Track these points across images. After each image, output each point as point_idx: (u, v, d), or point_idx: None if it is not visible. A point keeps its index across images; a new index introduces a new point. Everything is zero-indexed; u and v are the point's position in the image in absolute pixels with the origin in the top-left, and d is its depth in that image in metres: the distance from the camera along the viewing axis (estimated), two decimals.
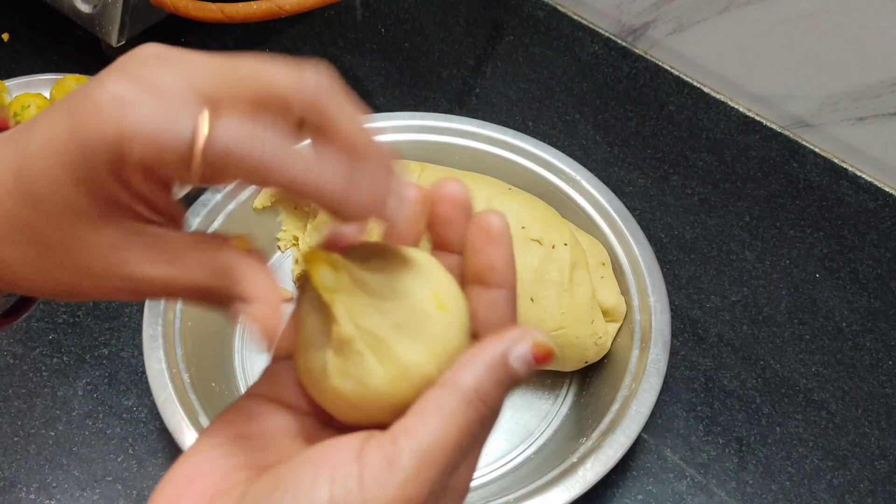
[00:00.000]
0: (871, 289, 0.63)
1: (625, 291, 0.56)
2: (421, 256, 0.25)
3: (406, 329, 0.23)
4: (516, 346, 0.22)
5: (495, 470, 0.53)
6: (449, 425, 0.21)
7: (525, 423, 0.55)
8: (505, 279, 0.24)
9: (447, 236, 0.26)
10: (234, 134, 0.21)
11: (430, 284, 0.24)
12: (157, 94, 0.21)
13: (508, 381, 0.22)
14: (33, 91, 0.68)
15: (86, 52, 0.73)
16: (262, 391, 0.26)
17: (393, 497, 0.20)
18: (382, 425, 0.22)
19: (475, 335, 0.25)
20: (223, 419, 0.25)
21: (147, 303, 0.53)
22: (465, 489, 0.24)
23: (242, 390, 0.56)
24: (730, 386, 0.58)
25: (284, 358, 0.26)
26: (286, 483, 0.21)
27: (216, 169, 0.21)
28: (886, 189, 0.70)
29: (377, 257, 0.25)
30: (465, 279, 0.25)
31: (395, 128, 0.63)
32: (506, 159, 0.62)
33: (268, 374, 0.27)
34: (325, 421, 0.25)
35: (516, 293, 0.25)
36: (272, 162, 0.21)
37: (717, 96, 0.76)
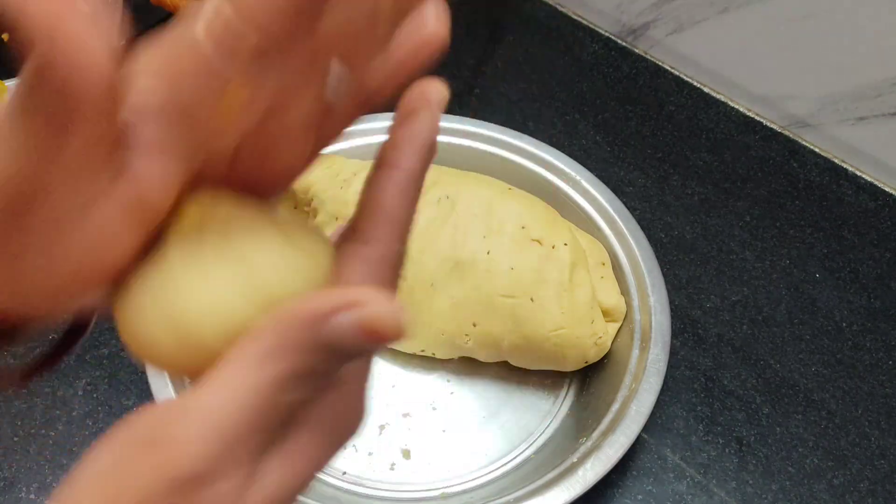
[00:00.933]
0: (871, 289, 0.63)
1: (625, 291, 0.56)
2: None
3: (233, 260, 0.20)
4: (339, 314, 0.18)
5: (495, 470, 0.53)
6: (240, 392, 0.18)
7: (525, 423, 0.55)
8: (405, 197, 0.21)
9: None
10: None
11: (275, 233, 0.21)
12: None
13: (330, 351, 0.19)
14: None
15: None
16: None
17: (168, 483, 0.18)
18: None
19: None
20: None
21: None
22: (313, 464, 0.21)
23: None
24: (730, 386, 0.58)
25: None
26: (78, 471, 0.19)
27: None
28: (886, 189, 0.70)
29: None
30: (346, 238, 0.22)
31: None
32: (506, 159, 0.62)
33: None
34: None
35: (404, 249, 0.21)
36: None
37: (717, 96, 0.76)
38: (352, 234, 0.22)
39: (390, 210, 0.21)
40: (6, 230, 0.18)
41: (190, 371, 0.20)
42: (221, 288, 0.20)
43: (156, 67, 0.18)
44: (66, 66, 0.16)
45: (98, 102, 0.17)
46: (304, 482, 0.20)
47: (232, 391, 0.18)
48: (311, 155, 0.23)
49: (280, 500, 0.20)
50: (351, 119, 0.23)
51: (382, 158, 0.22)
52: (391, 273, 0.22)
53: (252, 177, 0.22)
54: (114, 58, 0.17)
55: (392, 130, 0.22)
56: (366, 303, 0.18)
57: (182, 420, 0.18)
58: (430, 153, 0.22)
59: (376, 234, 0.21)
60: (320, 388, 0.20)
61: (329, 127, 0.22)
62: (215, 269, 0.20)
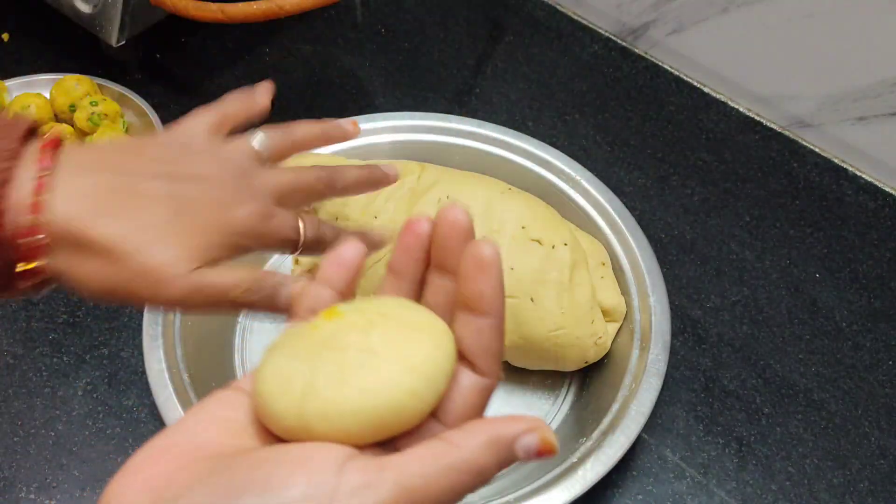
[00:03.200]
0: (871, 289, 0.63)
1: (625, 291, 0.56)
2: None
3: (388, 348, 0.24)
4: (527, 436, 0.23)
5: None
6: (439, 478, 0.22)
7: None
8: (492, 307, 0.25)
9: (444, 259, 0.27)
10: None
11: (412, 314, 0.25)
12: None
13: (507, 462, 0.23)
14: (33, 91, 0.68)
15: (86, 52, 0.73)
16: (246, 386, 0.26)
17: None
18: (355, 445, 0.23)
19: (462, 357, 0.25)
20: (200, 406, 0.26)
21: None
22: None
23: None
24: (730, 386, 0.58)
25: None
26: (257, 476, 0.21)
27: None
28: (886, 189, 0.70)
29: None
30: (456, 305, 0.26)
31: (395, 128, 0.63)
32: (506, 159, 0.62)
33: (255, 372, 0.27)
34: None
35: (504, 320, 0.26)
36: None
37: (717, 96, 0.76)
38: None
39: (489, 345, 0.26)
40: None
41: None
42: (395, 384, 0.23)
43: None
44: None
45: None
46: None
47: (428, 470, 0.22)
48: None
49: None
50: None
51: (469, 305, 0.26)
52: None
53: None
54: None
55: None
56: (537, 426, 0.24)
57: (379, 477, 0.21)
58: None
59: (485, 307, 0.25)
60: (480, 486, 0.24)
61: None
62: (385, 364, 0.23)
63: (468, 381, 0.26)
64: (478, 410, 0.26)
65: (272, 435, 0.24)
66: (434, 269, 0.27)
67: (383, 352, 0.24)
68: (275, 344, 0.26)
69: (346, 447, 0.22)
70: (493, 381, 0.26)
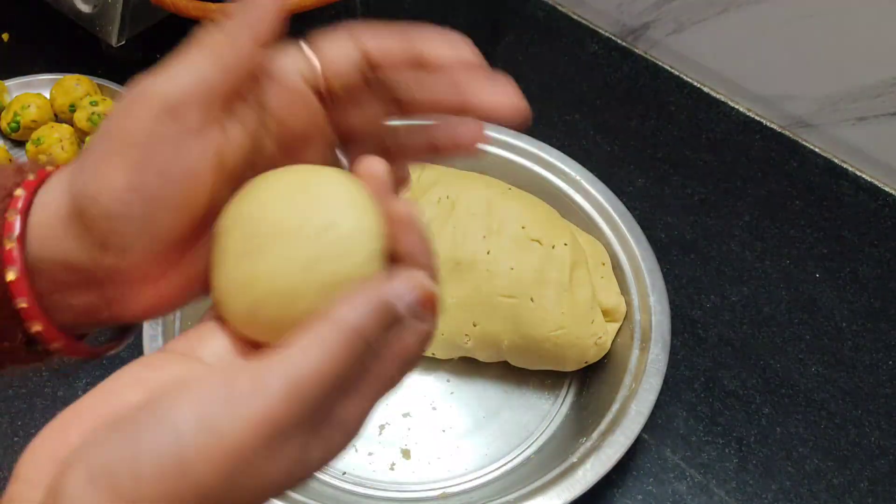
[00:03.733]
0: (871, 289, 0.63)
1: (625, 291, 0.56)
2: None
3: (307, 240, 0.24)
4: (406, 293, 0.23)
5: (495, 470, 0.53)
6: (323, 357, 0.21)
7: (525, 423, 0.55)
8: (424, 263, 0.25)
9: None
10: None
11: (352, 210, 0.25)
12: None
13: (391, 323, 0.23)
14: (33, 91, 0.68)
15: (86, 52, 0.73)
16: (178, 348, 0.26)
17: (256, 420, 0.20)
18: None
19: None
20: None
21: None
22: (355, 426, 0.24)
23: None
24: (730, 386, 0.58)
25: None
26: (154, 404, 0.21)
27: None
28: (886, 189, 0.70)
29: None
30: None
31: None
32: (506, 159, 0.62)
33: (188, 333, 0.26)
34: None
35: (438, 268, 0.26)
36: None
37: (717, 96, 0.76)
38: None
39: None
40: None
41: (262, 337, 0.24)
42: (285, 268, 0.24)
43: None
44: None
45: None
46: (336, 453, 0.23)
47: (314, 357, 0.21)
48: None
49: (333, 455, 0.23)
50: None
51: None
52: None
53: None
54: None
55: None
56: (413, 279, 0.23)
57: (271, 374, 0.21)
58: None
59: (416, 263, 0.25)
60: (370, 363, 0.23)
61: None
62: (279, 252, 0.24)
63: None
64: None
65: None
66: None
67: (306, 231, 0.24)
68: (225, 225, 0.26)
69: (240, 362, 0.23)
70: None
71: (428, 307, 0.23)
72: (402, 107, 0.30)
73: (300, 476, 0.23)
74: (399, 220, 0.25)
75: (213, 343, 0.26)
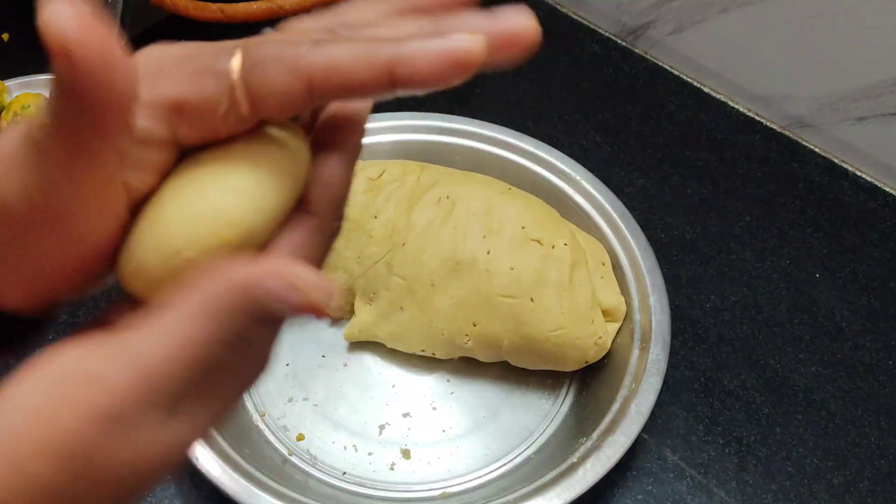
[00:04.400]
0: (871, 289, 0.63)
1: (625, 291, 0.56)
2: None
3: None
4: (267, 280, 0.20)
5: (495, 470, 0.53)
6: (173, 343, 0.20)
7: (525, 423, 0.55)
8: (317, 207, 0.23)
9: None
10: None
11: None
12: None
13: (257, 314, 0.20)
14: (33, 91, 0.68)
15: None
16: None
17: (95, 411, 0.19)
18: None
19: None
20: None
21: None
22: (223, 405, 0.22)
23: None
24: (730, 386, 0.58)
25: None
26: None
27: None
28: (886, 189, 0.70)
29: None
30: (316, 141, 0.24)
31: (395, 128, 0.63)
32: (506, 159, 0.62)
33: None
34: None
35: (329, 230, 0.24)
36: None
37: (717, 96, 0.76)
38: (302, 203, 0.23)
39: (336, 189, 0.23)
40: (11, 240, 0.21)
41: (142, 296, 0.22)
42: (170, 224, 0.21)
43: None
44: (95, 84, 0.18)
45: (124, 116, 0.19)
46: (205, 430, 0.22)
47: (165, 343, 0.20)
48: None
49: (184, 445, 0.21)
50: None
51: (331, 139, 0.24)
52: (325, 242, 0.24)
53: None
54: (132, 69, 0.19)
55: (337, 112, 0.24)
56: (284, 270, 0.20)
57: (116, 361, 0.19)
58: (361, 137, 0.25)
59: (320, 208, 0.23)
60: (240, 348, 0.22)
61: None
62: (170, 205, 0.22)
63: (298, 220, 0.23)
64: (308, 251, 0.23)
65: None
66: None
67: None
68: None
69: (94, 342, 0.20)
70: (327, 223, 0.23)
71: (306, 311, 0.20)
72: None
73: (165, 457, 0.21)
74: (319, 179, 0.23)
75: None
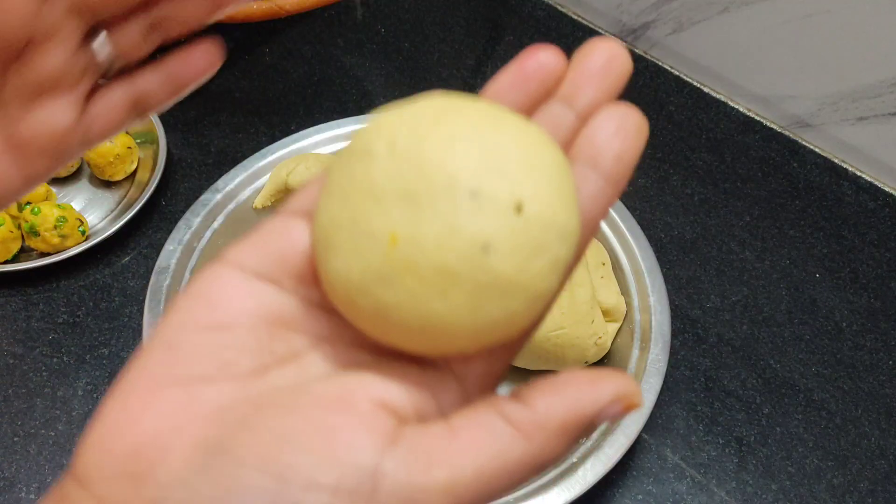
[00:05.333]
0: (871, 289, 0.63)
1: (625, 291, 0.56)
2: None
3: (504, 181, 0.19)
4: (611, 407, 0.20)
5: None
6: (498, 475, 0.18)
7: None
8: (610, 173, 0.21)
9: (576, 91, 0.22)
10: None
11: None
12: None
13: (583, 437, 0.20)
14: None
15: None
16: (245, 261, 0.21)
17: None
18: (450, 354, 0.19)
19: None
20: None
21: (147, 303, 0.53)
22: None
23: None
24: (730, 386, 0.58)
25: (298, 214, 0.22)
26: (268, 459, 0.17)
27: None
28: (886, 189, 0.70)
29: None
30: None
31: None
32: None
33: (261, 236, 0.21)
34: None
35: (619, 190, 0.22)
36: None
37: (717, 96, 0.76)
38: None
39: (590, 223, 0.22)
40: None
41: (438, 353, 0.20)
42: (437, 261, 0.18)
43: None
44: None
45: None
46: None
47: (485, 460, 0.18)
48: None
49: None
50: None
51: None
52: None
53: None
54: None
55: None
56: (627, 387, 0.20)
57: (432, 465, 0.18)
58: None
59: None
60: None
61: None
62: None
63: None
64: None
65: (292, 339, 0.20)
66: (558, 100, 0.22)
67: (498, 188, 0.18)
68: (332, 177, 0.20)
69: (386, 412, 0.18)
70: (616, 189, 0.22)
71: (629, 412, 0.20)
72: None
73: None
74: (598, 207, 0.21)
75: (311, 326, 0.21)
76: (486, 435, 0.18)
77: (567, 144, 0.22)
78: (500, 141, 0.19)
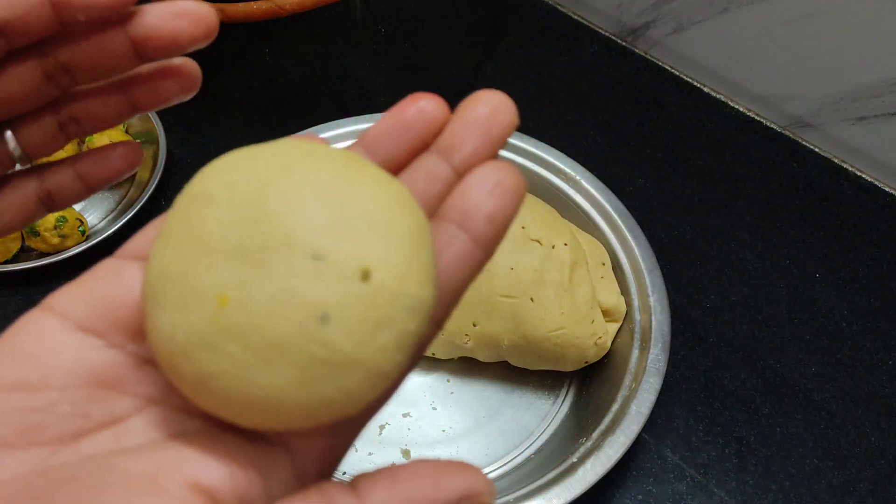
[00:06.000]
0: (871, 289, 0.63)
1: (625, 291, 0.56)
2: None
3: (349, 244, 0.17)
4: (482, 497, 0.18)
5: (495, 470, 0.53)
6: None
7: (525, 423, 0.55)
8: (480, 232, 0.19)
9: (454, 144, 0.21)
10: None
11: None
12: None
13: None
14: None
15: None
16: (68, 310, 0.19)
17: None
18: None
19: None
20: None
21: None
22: None
23: None
24: (730, 386, 0.58)
25: (133, 258, 0.20)
26: None
27: None
28: (886, 189, 0.70)
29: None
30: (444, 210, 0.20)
31: None
32: (506, 159, 0.62)
33: (88, 282, 0.20)
34: None
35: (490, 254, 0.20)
36: None
37: (717, 96, 0.76)
38: None
39: (454, 285, 0.20)
40: None
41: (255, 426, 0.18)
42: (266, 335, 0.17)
43: None
44: None
45: None
46: None
47: None
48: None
49: None
50: None
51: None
52: None
53: None
54: None
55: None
56: (483, 492, 0.18)
57: None
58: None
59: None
60: None
61: None
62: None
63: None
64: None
65: (114, 402, 0.18)
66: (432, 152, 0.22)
67: (340, 253, 0.17)
68: (170, 220, 0.18)
69: (200, 496, 0.17)
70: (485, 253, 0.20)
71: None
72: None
73: None
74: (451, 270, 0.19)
75: (138, 387, 0.19)
76: None
77: (440, 199, 0.20)
78: (353, 198, 0.17)
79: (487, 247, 0.20)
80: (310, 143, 0.19)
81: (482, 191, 0.20)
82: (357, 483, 0.18)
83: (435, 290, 0.18)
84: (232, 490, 0.17)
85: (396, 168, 0.22)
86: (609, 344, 0.54)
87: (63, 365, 0.18)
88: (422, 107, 0.21)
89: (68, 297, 0.19)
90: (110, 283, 0.19)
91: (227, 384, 0.17)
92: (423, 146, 0.21)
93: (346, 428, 0.20)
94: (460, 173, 0.21)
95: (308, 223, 0.17)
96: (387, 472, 0.18)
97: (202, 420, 0.19)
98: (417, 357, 0.20)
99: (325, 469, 0.19)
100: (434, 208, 0.20)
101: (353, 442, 0.20)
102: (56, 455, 0.17)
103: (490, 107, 0.21)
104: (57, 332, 0.18)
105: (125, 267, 0.19)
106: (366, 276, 0.17)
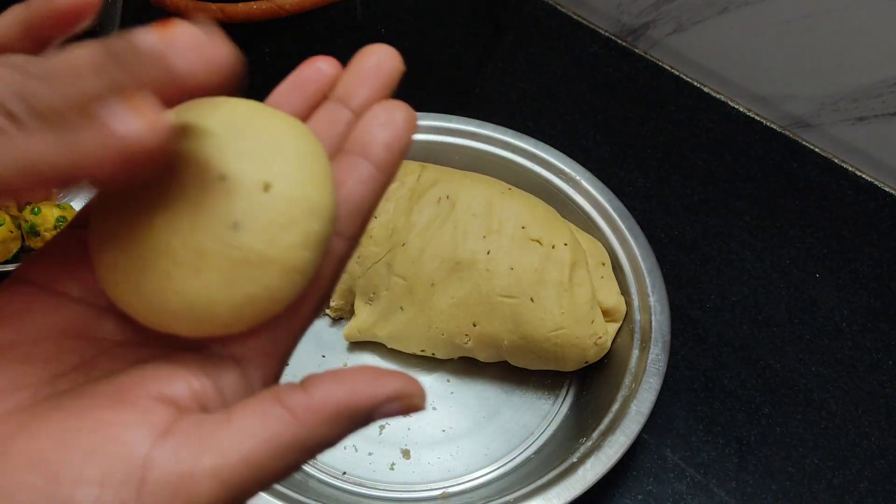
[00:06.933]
0: (871, 289, 0.63)
1: (625, 291, 0.56)
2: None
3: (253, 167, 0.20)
4: (389, 405, 0.20)
5: (495, 470, 0.53)
6: (269, 460, 0.19)
7: (525, 423, 0.55)
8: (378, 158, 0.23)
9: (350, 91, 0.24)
10: None
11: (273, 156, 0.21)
12: None
13: (358, 428, 0.20)
14: None
15: None
16: (34, 276, 0.22)
17: None
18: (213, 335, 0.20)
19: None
20: None
21: None
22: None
23: None
24: (730, 386, 0.58)
25: (81, 225, 0.23)
26: (41, 469, 0.17)
27: None
28: (886, 189, 0.70)
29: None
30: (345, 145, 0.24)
31: None
32: (506, 159, 0.62)
33: (48, 250, 0.22)
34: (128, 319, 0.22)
35: (389, 178, 0.23)
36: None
37: (717, 96, 0.76)
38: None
39: (362, 204, 0.23)
40: None
41: (194, 334, 0.21)
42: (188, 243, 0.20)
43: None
44: None
45: None
46: None
47: (254, 444, 0.19)
48: None
49: None
50: None
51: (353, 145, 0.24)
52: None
53: None
54: None
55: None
56: (405, 389, 0.20)
57: (202, 452, 0.18)
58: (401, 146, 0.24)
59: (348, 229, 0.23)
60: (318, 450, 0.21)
61: None
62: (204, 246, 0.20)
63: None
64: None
65: (82, 348, 0.21)
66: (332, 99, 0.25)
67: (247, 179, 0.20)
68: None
69: (164, 404, 0.19)
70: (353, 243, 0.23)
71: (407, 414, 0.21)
72: None
73: None
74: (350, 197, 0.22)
75: (101, 332, 0.22)
76: (259, 420, 0.19)
77: (343, 138, 0.24)
78: (254, 132, 0.21)
79: (387, 169, 0.23)
80: (223, 98, 0.22)
81: (377, 124, 0.23)
82: (305, 381, 0.20)
83: (333, 196, 0.21)
84: (192, 397, 0.20)
85: (301, 118, 0.24)
86: (609, 344, 0.54)
87: (36, 322, 0.21)
88: (319, 66, 0.24)
89: (32, 268, 0.22)
90: (66, 247, 0.22)
91: (166, 297, 0.20)
92: (321, 99, 0.24)
93: (284, 334, 0.22)
94: (358, 115, 0.24)
95: (215, 154, 0.20)
96: (332, 372, 0.21)
97: (158, 348, 0.21)
98: (324, 254, 0.22)
99: (269, 376, 0.22)
100: (339, 146, 0.23)
101: (292, 349, 0.23)
102: (37, 394, 0.20)
103: (377, 56, 0.25)
104: (29, 296, 0.21)
105: (80, 232, 0.22)
106: (267, 187, 0.20)
